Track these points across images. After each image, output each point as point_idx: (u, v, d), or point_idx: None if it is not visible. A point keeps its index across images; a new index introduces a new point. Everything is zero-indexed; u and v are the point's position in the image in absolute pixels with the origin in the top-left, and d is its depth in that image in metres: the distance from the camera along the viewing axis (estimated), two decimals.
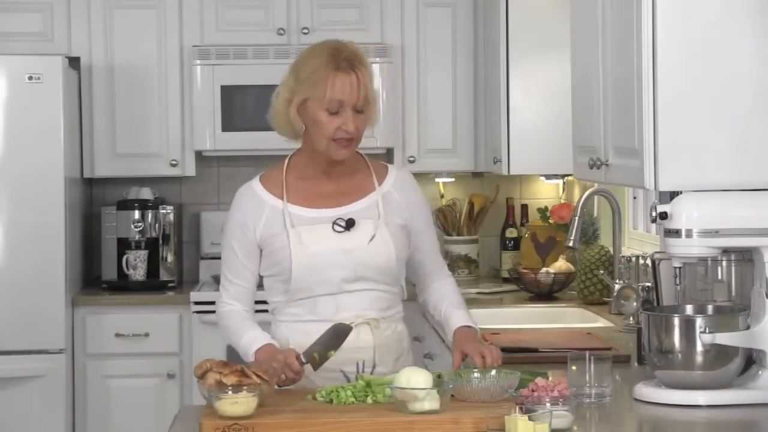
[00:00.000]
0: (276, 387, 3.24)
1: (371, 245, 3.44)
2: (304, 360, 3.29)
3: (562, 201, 6.23)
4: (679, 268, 3.23)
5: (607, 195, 4.65)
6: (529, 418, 2.77)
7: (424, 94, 6.18)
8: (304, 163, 3.52)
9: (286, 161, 3.54)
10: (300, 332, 3.46)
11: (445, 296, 3.60)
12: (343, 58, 3.39)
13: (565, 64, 4.26)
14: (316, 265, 3.42)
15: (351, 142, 3.42)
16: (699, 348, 3.09)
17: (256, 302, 3.56)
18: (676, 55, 3.12)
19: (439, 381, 3.10)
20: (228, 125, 6.00)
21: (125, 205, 6.07)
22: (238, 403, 3.00)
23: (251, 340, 3.44)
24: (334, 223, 3.45)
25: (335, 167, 3.48)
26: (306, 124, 3.44)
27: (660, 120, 3.13)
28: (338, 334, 3.32)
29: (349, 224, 3.45)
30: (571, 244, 4.53)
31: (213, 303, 5.71)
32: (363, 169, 3.54)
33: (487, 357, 3.31)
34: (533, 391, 3.00)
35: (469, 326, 3.49)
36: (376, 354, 3.44)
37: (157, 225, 6.06)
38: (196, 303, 5.81)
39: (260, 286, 3.58)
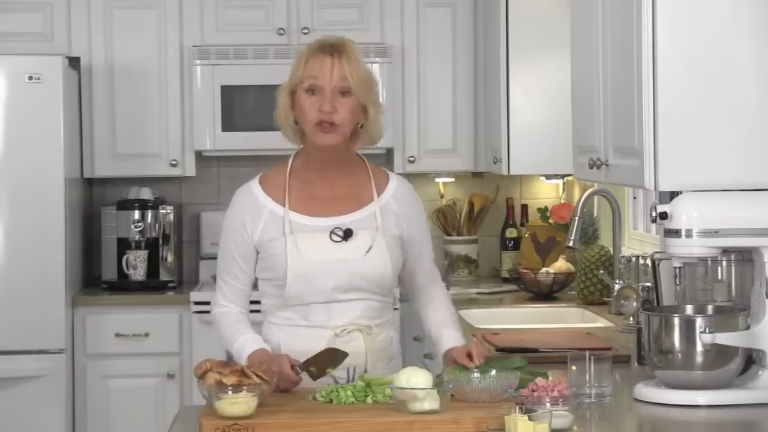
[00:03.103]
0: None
1: (368, 256, 3.43)
2: (300, 370, 3.30)
3: (562, 201, 6.23)
4: (679, 268, 3.23)
5: (607, 195, 4.65)
6: (529, 418, 2.77)
7: (424, 94, 6.18)
8: (303, 164, 3.52)
9: (289, 163, 3.54)
10: (292, 335, 3.47)
11: (436, 311, 3.58)
12: (328, 45, 3.43)
13: (565, 64, 4.26)
14: (311, 274, 3.42)
15: (332, 127, 3.39)
16: (699, 348, 3.09)
17: (250, 302, 3.56)
18: (677, 55, 3.12)
19: (439, 381, 3.10)
20: (228, 125, 6.00)
21: (125, 205, 6.07)
22: (238, 403, 3.00)
23: (243, 344, 3.44)
24: (332, 232, 3.44)
25: (331, 169, 3.48)
26: (297, 117, 3.45)
27: (660, 120, 3.13)
28: (335, 355, 3.32)
29: (347, 234, 3.44)
30: (571, 244, 4.53)
31: None
32: (362, 174, 3.53)
33: (473, 352, 3.32)
34: (533, 391, 3.00)
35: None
36: (368, 360, 3.44)
37: (157, 225, 6.06)
38: (196, 303, 5.80)
39: (255, 286, 3.58)
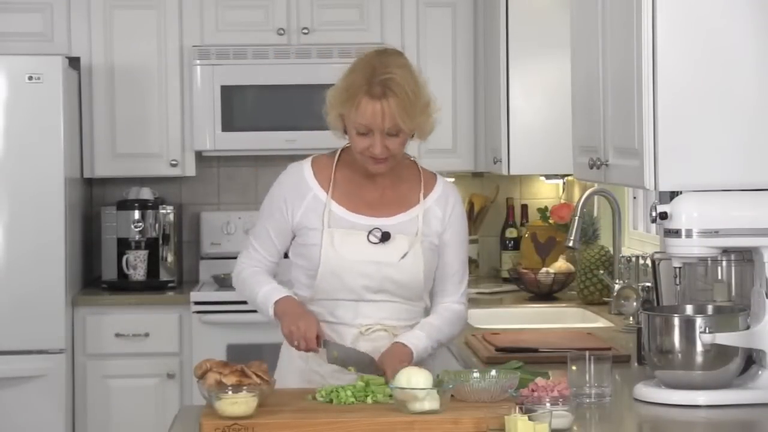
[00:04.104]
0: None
1: (402, 262, 3.43)
2: (323, 345, 3.32)
3: (562, 201, 6.22)
4: (679, 268, 3.23)
5: (607, 195, 4.65)
6: (529, 418, 2.77)
7: None
8: (354, 160, 3.49)
9: (338, 154, 3.53)
10: None
11: (428, 316, 3.52)
12: (378, 82, 3.34)
13: (565, 64, 4.26)
14: (343, 271, 3.42)
15: (384, 160, 3.40)
16: (699, 348, 3.09)
17: None
18: (677, 55, 3.12)
19: (439, 381, 3.10)
20: (228, 125, 6.00)
21: (125, 205, 6.07)
22: (238, 403, 2.99)
23: (270, 292, 3.45)
24: (370, 233, 3.44)
25: (378, 174, 3.48)
26: (347, 135, 3.45)
27: (660, 120, 3.13)
28: (365, 361, 3.33)
29: (385, 237, 3.43)
30: (571, 244, 4.53)
31: (213, 303, 5.81)
32: (412, 179, 3.52)
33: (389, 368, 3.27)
34: (533, 391, 3.00)
35: (403, 344, 3.38)
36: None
37: (157, 225, 6.06)
38: (196, 303, 5.80)
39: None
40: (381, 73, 3.35)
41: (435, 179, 3.56)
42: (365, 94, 3.34)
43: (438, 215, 3.50)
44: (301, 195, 3.48)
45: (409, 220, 3.47)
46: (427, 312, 3.56)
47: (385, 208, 3.47)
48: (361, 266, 3.42)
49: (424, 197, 3.50)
